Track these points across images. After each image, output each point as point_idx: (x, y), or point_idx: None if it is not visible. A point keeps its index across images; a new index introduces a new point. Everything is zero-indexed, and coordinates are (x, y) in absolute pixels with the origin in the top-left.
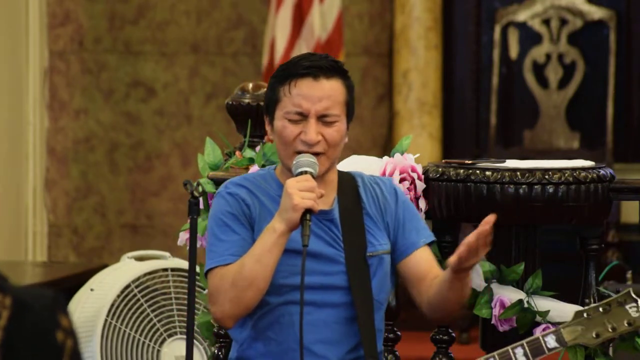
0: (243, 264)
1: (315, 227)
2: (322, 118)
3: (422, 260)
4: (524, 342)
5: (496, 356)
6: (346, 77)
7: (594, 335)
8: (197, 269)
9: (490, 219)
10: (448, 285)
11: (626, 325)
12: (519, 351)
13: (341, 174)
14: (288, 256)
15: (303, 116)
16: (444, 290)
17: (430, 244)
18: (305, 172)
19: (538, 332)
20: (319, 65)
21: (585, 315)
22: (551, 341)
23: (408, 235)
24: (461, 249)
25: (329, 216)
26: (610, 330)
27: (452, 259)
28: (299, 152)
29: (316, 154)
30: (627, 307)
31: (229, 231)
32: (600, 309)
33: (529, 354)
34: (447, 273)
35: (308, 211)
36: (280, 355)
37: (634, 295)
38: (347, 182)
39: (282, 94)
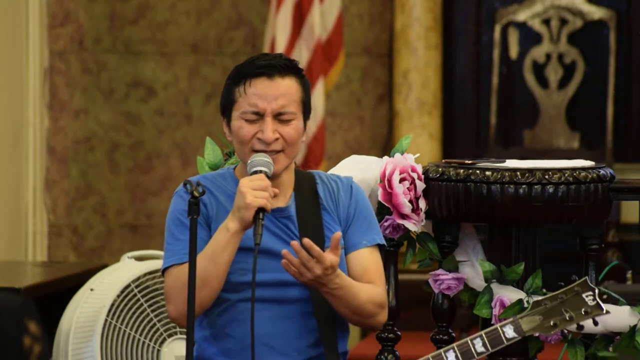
0: (197, 263)
1: (272, 224)
2: (278, 116)
3: (357, 263)
4: (482, 332)
5: (455, 347)
6: (301, 75)
7: (551, 324)
8: None
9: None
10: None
11: (583, 313)
12: (478, 342)
13: (299, 173)
14: (244, 254)
15: (259, 115)
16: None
17: (378, 247)
18: (260, 172)
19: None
20: (272, 64)
21: (542, 304)
22: (509, 331)
23: (352, 234)
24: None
25: (285, 213)
26: (567, 319)
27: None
28: (257, 151)
29: (274, 152)
30: (584, 295)
31: (185, 230)
32: (558, 299)
33: (488, 345)
34: None
35: (261, 210)
36: (239, 353)
37: (590, 284)
38: (305, 179)
39: (238, 95)
